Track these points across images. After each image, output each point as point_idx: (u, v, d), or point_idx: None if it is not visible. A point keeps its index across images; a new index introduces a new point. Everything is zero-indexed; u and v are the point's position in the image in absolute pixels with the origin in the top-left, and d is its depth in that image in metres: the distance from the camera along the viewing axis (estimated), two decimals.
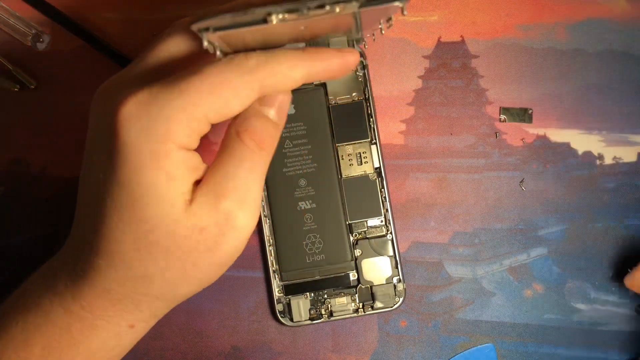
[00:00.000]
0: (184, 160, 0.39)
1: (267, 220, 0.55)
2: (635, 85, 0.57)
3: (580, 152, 0.57)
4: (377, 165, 0.55)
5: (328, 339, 0.57)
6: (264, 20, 0.36)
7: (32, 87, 0.57)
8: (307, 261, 0.54)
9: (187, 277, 0.42)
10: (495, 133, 0.57)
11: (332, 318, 0.55)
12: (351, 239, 0.55)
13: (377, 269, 0.55)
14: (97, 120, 0.42)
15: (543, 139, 0.57)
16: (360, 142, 0.55)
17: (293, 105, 0.54)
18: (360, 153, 0.55)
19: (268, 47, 0.43)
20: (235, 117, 0.42)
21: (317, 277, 0.54)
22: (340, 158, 0.55)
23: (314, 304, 0.55)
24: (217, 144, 0.56)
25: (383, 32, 0.44)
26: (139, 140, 0.38)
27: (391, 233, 0.55)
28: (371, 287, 0.55)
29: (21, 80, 0.56)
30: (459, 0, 0.57)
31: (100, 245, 0.41)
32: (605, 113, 0.57)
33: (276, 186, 0.53)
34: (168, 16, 0.57)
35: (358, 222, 0.55)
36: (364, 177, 0.55)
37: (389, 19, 0.43)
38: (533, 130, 0.57)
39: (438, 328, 0.57)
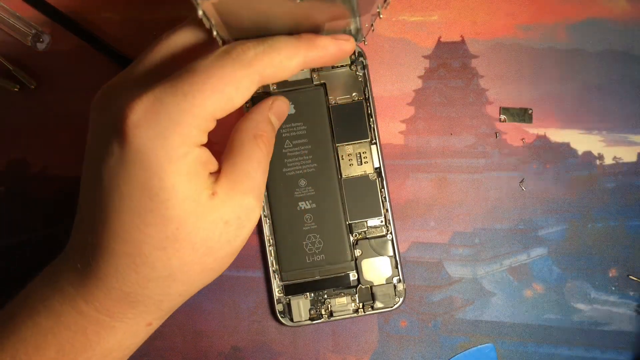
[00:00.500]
0: (198, 158, 0.41)
1: (267, 220, 0.55)
2: (635, 85, 0.57)
3: (580, 152, 0.57)
4: (377, 165, 0.55)
5: (328, 339, 0.57)
6: None
7: (32, 87, 0.57)
8: (307, 261, 0.54)
9: (206, 270, 0.44)
10: (495, 133, 0.57)
11: (332, 318, 0.55)
12: (351, 239, 0.55)
13: (377, 269, 0.55)
14: (100, 126, 0.43)
15: (543, 139, 0.57)
16: (360, 142, 0.55)
17: (293, 105, 0.54)
18: (360, 153, 0.55)
19: (264, 33, 0.43)
20: (246, 120, 0.45)
21: (317, 277, 0.54)
22: (340, 158, 0.55)
23: (314, 304, 0.55)
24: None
25: (381, 15, 0.43)
26: (154, 147, 0.39)
27: (391, 233, 0.55)
28: (371, 287, 0.55)
29: (21, 80, 0.56)
30: (459, 0, 0.57)
31: (118, 248, 0.41)
32: (605, 113, 0.57)
33: (276, 186, 0.53)
34: (168, 16, 0.57)
35: (358, 222, 0.55)
36: (364, 177, 0.55)
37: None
38: (533, 130, 0.57)
39: (438, 328, 0.57)
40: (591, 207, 0.57)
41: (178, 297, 0.45)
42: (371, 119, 0.55)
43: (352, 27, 0.46)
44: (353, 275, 0.54)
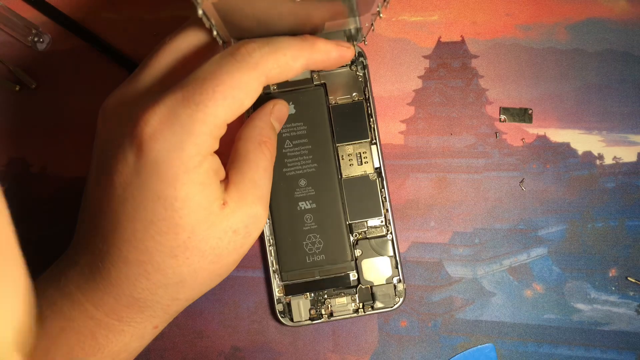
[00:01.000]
0: (211, 166, 0.42)
1: (268, 220, 0.55)
2: (635, 85, 0.57)
3: (580, 152, 0.57)
4: (377, 165, 0.55)
5: (328, 339, 0.57)
6: None
7: (32, 87, 0.57)
8: (307, 261, 0.54)
9: (213, 276, 0.44)
10: (495, 133, 0.57)
11: (332, 318, 0.55)
12: (351, 239, 0.55)
13: (377, 269, 0.54)
14: (113, 135, 0.43)
15: (543, 139, 0.57)
16: (361, 142, 0.55)
17: (293, 106, 0.54)
18: (360, 153, 0.55)
19: (265, 33, 0.43)
20: (249, 127, 0.47)
21: (317, 277, 0.54)
22: (340, 158, 0.55)
23: (314, 304, 0.55)
24: None
25: (381, 15, 0.43)
26: (170, 157, 0.40)
27: (391, 233, 0.55)
28: (371, 287, 0.55)
29: (21, 80, 0.56)
30: (459, 0, 0.57)
31: (130, 255, 0.42)
32: (605, 113, 0.57)
33: (276, 186, 0.53)
34: (168, 16, 0.57)
35: (358, 222, 0.55)
36: (364, 177, 0.55)
37: None
38: (533, 130, 0.57)
39: (438, 328, 0.57)
40: (591, 207, 0.57)
41: (185, 302, 0.46)
42: (371, 119, 0.55)
43: (352, 26, 0.46)
44: (353, 275, 0.54)
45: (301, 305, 0.55)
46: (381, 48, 0.57)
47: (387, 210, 0.55)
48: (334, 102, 0.55)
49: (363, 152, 0.55)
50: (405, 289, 0.55)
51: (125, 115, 0.43)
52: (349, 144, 0.55)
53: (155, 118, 0.40)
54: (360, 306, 0.55)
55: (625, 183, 0.57)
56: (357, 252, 0.55)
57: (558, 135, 0.57)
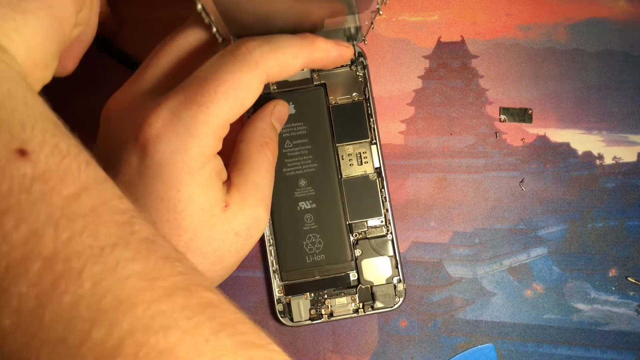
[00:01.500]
0: (213, 168, 0.42)
1: (268, 221, 0.55)
2: (635, 85, 0.57)
3: (580, 152, 0.57)
4: (377, 165, 0.55)
5: (328, 339, 0.57)
6: None
7: None
8: (307, 261, 0.54)
9: (213, 277, 0.45)
10: (495, 133, 0.57)
11: (332, 318, 0.55)
12: (351, 239, 0.55)
13: (377, 269, 0.54)
14: (116, 137, 0.44)
15: (543, 139, 0.57)
16: (361, 142, 0.55)
17: (293, 106, 0.54)
18: (360, 153, 0.55)
19: (264, 30, 0.43)
20: (251, 129, 0.47)
21: (317, 277, 0.54)
22: (340, 158, 0.55)
23: (314, 304, 0.55)
24: None
25: (381, 12, 0.43)
26: (174, 159, 0.40)
27: (391, 233, 0.55)
28: (371, 287, 0.55)
29: None
30: (459, 0, 0.57)
31: None
32: (605, 113, 0.57)
33: (276, 186, 0.53)
34: (168, 16, 0.57)
35: (358, 222, 0.55)
36: (364, 177, 0.55)
37: None
38: (533, 130, 0.57)
39: (438, 328, 0.57)
40: (591, 207, 0.57)
41: None
42: (371, 119, 0.55)
43: (352, 25, 0.46)
44: (353, 275, 0.54)
45: (301, 305, 0.55)
46: (381, 48, 0.57)
47: (387, 210, 0.55)
48: (334, 102, 0.55)
49: (363, 152, 0.55)
50: (405, 289, 0.55)
51: (128, 117, 0.43)
52: (349, 144, 0.55)
53: (158, 120, 0.40)
54: (360, 306, 0.55)
55: (625, 183, 0.57)
56: (357, 252, 0.55)
57: (558, 135, 0.57)
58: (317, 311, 0.55)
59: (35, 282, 0.28)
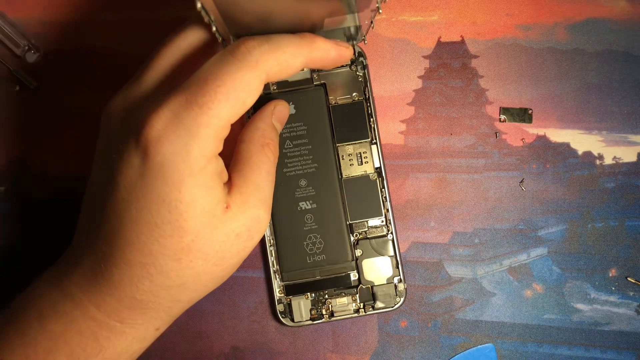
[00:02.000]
0: (215, 169, 0.42)
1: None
2: (635, 85, 0.57)
3: (580, 152, 0.57)
4: (377, 165, 0.55)
5: (328, 339, 0.57)
6: None
7: (32, 87, 0.57)
8: (308, 261, 0.54)
9: (215, 278, 0.45)
10: (495, 133, 0.57)
11: (333, 318, 0.55)
12: (352, 239, 0.55)
13: (377, 269, 0.54)
14: (117, 138, 0.44)
15: (543, 139, 0.57)
16: (361, 142, 0.55)
17: (293, 106, 0.54)
18: (360, 153, 0.55)
19: (264, 29, 0.43)
20: (251, 130, 0.47)
21: (318, 278, 0.54)
22: (340, 158, 0.55)
23: (315, 304, 0.55)
24: None
25: (380, 11, 0.43)
26: (175, 161, 0.40)
27: (392, 233, 0.55)
28: (372, 287, 0.55)
29: (21, 80, 0.56)
30: (459, 0, 0.57)
31: (133, 258, 0.42)
32: (605, 113, 0.57)
33: (277, 187, 0.53)
34: (168, 16, 0.57)
35: (358, 222, 0.55)
36: (365, 177, 0.55)
37: None
38: (533, 130, 0.57)
39: (438, 328, 0.57)
40: (591, 207, 0.57)
41: (187, 304, 0.46)
42: (371, 119, 0.55)
43: (351, 24, 0.46)
44: (354, 275, 0.54)
45: (302, 306, 0.55)
46: (381, 48, 0.57)
47: (387, 210, 0.55)
48: (334, 102, 0.55)
49: (363, 152, 0.55)
50: (406, 289, 0.55)
51: (130, 118, 0.43)
52: (349, 144, 0.55)
53: (159, 122, 0.40)
54: (361, 306, 0.55)
55: (625, 183, 0.57)
56: (358, 252, 0.55)
57: (558, 135, 0.57)
58: (317, 311, 0.55)
59: None
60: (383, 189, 0.55)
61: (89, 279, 0.44)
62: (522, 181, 0.57)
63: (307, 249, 0.54)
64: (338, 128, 0.55)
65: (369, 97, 0.55)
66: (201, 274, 0.43)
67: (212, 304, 0.57)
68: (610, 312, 0.56)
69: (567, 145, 0.57)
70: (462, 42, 0.57)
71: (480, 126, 0.57)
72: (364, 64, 0.55)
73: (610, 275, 0.57)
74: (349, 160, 0.55)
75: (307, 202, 0.54)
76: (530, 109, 0.57)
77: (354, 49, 0.53)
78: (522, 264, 0.57)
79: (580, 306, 0.57)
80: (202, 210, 0.41)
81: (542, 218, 0.57)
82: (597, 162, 0.57)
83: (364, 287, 0.55)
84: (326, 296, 0.55)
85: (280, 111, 0.49)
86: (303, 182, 0.54)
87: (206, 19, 0.41)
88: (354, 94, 0.55)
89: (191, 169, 0.40)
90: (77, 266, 0.44)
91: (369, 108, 0.55)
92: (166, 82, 0.45)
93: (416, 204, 0.57)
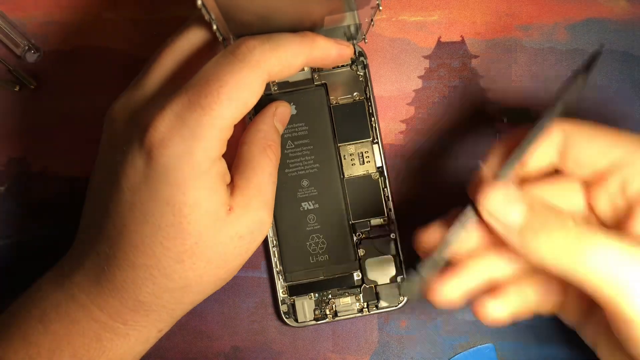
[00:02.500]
0: (218, 171, 0.42)
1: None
2: (635, 85, 0.57)
3: None
4: (379, 164, 0.55)
5: (328, 339, 0.57)
6: None
7: (32, 87, 0.57)
8: (311, 262, 0.54)
9: (217, 281, 0.45)
10: (496, 133, 0.57)
11: (336, 318, 0.55)
12: (354, 238, 0.55)
13: (381, 269, 0.55)
14: (120, 141, 0.44)
15: None
16: (362, 142, 0.55)
17: (294, 106, 0.54)
18: (362, 152, 0.55)
19: (265, 28, 0.43)
20: (253, 131, 0.47)
21: (321, 278, 0.54)
22: (342, 158, 0.55)
23: (319, 304, 0.55)
24: None
25: (381, 7, 0.43)
26: (180, 163, 0.40)
27: (394, 232, 0.55)
28: (375, 286, 0.55)
29: (21, 80, 0.56)
30: (459, 0, 0.57)
31: (136, 260, 0.42)
32: (605, 113, 0.57)
33: (279, 187, 0.53)
34: (168, 16, 0.57)
35: (361, 222, 0.55)
36: (367, 177, 0.55)
37: None
38: None
39: (438, 328, 0.57)
40: None
41: (189, 306, 0.46)
42: (372, 118, 0.55)
43: (352, 22, 0.46)
44: (357, 275, 0.55)
45: (305, 306, 0.55)
46: (381, 48, 0.57)
47: (389, 209, 0.55)
48: (335, 102, 0.55)
49: (365, 152, 0.55)
50: None
51: (133, 121, 0.43)
52: (350, 144, 0.55)
53: (163, 124, 0.40)
54: (365, 306, 0.55)
55: None
56: (361, 252, 0.55)
57: None
58: (321, 311, 0.55)
59: None
60: (385, 188, 0.55)
61: (92, 280, 0.44)
62: None
63: (310, 249, 0.54)
64: (339, 128, 0.55)
65: (369, 96, 0.55)
66: (204, 276, 0.44)
67: (212, 304, 0.57)
68: None
69: None
70: (462, 42, 0.57)
71: (480, 126, 0.57)
72: (365, 63, 0.55)
73: None
74: (351, 160, 0.55)
75: (310, 202, 0.54)
76: (531, 109, 0.57)
77: (354, 48, 0.53)
78: None
79: None
80: (205, 212, 0.42)
81: None
82: None
83: (367, 286, 0.55)
84: (329, 296, 0.55)
85: (281, 112, 0.49)
86: (305, 183, 0.54)
87: (207, 17, 0.41)
88: (354, 93, 0.55)
89: (195, 171, 0.41)
90: (80, 267, 0.44)
91: (370, 107, 0.55)
92: (169, 84, 0.45)
93: (417, 204, 0.57)
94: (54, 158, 0.57)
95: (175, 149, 0.40)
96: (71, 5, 0.57)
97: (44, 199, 0.57)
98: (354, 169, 0.55)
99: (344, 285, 0.55)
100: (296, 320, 0.55)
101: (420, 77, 0.57)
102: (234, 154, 0.46)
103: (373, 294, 0.55)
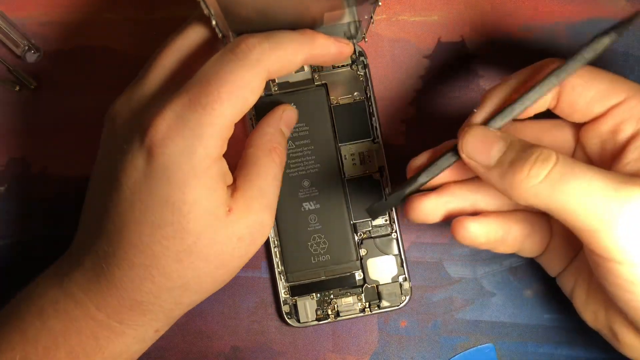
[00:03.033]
0: (218, 170, 0.42)
1: None
2: None
3: None
4: (380, 164, 0.55)
5: (328, 339, 0.57)
6: None
7: (32, 87, 0.56)
8: (313, 262, 0.54)
9: (215, 282, 0.45)
10: None
11: (338, 318, 0.55)
12: (356, 238, 0.55)
13: (382, 268, 0.55)
14: (121, 140, 0.44)
15: None
16: (363, 142, 0.55)
17: (295, 106, 0.54)
18: (363, 152, 0.55)
19: (265, 25, 0.43)
20: (259, 134, 0.47)
21: (323, 278, 0.54)
22: (343, 158, 0.55)
23: (321, 304, 0.55)
24: None
25: (380, 3, 0.43)
26: (180, 162, 0.40)
27: (396, 232, 0.55)
28: (377, 286, 0.55)
29: (21, 80, 0.56)
30: (459, 0, 0.57)
31: (135, 259, 0.42)
32: None
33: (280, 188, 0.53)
34: (168, 16, 0.57)
35: (362, 222, 0.55)
36: (368, 177, 0.55)
37: None
38: None
39: (438, 328, 0.57)
40: None
41: (188, 306, 0.46)
42: (373, 118, 0.55)
43: (351, 20, 0.46)
44: (359, 275, 0.55)
45: (307, 306, 0.55)
46: (381, 48, 0.57)
47: (391, 209, 0.55)
48: (335, 102, 0.55)
49: (366, 152, 0.55)
50: (411, 288, 0.55)
51: (134, 120, 0.43)
52: (351, 144, 0.55)
53: (163, 123, 0.40)
54: (367, 305, 0.55)
55: None
56: (362, 252, 0.55)
57: None
58: (323, 311, 0.55)
59: None
60: (386, 188, 0.55)
61: (90, 278, 0.44)
62: None
63: (311, 250, 0.54)
64: (340, 128, 0.55)
65: (370, 96, 0.55)
66: (202, 276, 0.44)
67: (212, 304, 0.57)
68: None
69: None
70: (462, 42, 0.57)
71: None
72: (365, 63, 0.55)
73: None
74: (352, 159, 0.55)
75: (311, 202, 0.54)
76: None
77: (354, 47, 0.53)
78: (522, 263, 0.57)
79: None
80: (204, 211, 0.42)
81: None
82: None
83: (369, 286, 0.55)
84: (331, 296, 0.55)
85: (288, 116, 0.49)
86: (306, 183, 0.54)
87: (206, 12, 0.41)
88: (355, 93, 0.55)
89: (195, 170, 0.41)
90: (79, 265, 0.44)
91: (371, 107, 0.55)
92: (169, 83, 0.45)
93: None
94: (54, 158, 0.57)
95: (176, 148, 0.40)
96: (71, 5, 0.57)
97: (44, 199, 0.57)
98: (355, 169, 0.55)
99: (346, 285, 0.55)
100: (298, 320, 0.55)
101: (420, 77, 0.57)
102: (235, 154, 0.46)
103: (375, 294, 0.55)
